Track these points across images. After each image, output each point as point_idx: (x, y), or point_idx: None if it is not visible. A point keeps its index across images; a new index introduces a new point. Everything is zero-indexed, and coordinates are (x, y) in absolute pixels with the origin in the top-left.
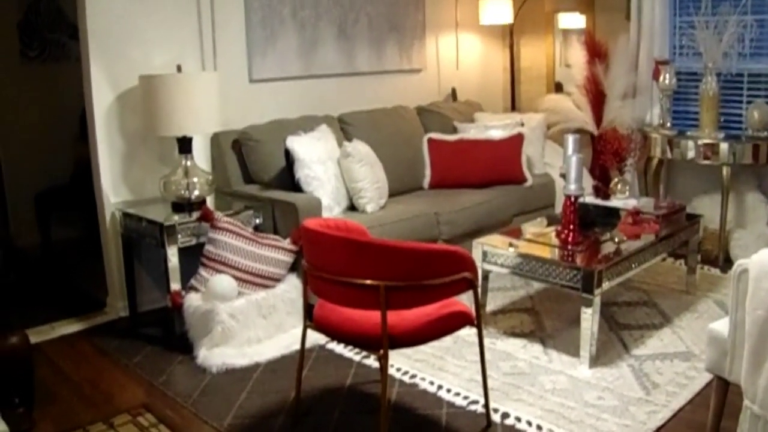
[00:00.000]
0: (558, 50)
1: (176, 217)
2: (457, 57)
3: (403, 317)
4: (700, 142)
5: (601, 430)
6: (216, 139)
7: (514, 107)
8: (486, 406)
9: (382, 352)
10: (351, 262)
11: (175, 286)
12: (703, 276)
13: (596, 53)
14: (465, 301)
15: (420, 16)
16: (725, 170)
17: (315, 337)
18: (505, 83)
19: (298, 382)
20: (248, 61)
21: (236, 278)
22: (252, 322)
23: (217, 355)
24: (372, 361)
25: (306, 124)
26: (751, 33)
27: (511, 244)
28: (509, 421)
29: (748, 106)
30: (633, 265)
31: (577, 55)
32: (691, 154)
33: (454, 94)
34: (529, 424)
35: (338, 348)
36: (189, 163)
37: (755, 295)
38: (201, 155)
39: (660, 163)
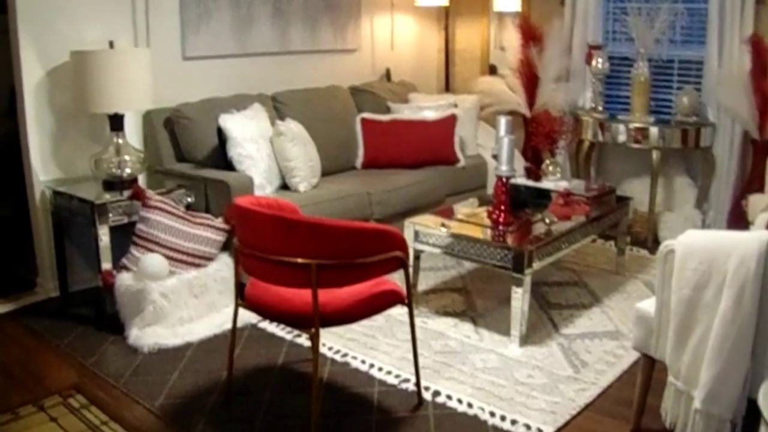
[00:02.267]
0: (493, 33)
1: (107, 196)
2: (392, 37)
3: (334, 296)
4: (630, 126)
5: (531, 407)
6: (148, 117)
7: (447, 88)
8: (417, 384)
9: (313, 330)
10: (283, 240)
11: (107, 265)
12: (632, 257)
13: (531, 36)
14: (396, 280)
15: None
16: (655, 154)
17: (247, 317)
18: (440, 64)
19: (230, 362)
20: (182, 38)
21: (168, 257)
22: (184, 301)
23: (148, 335)
24: (304, 340)
25: (239, 103)
26: (682, 21)
27: (443, 224)
28: (440, 399)
29: (678, 92)
30: (563, 246)
31: (512, 38)
32: (621, 137)
33: (388, 74)
34: (460, 402)
35: (270, 327)
36: (121, 140)
37: (681, 275)
38: (133, 133)
39: (591, 145)
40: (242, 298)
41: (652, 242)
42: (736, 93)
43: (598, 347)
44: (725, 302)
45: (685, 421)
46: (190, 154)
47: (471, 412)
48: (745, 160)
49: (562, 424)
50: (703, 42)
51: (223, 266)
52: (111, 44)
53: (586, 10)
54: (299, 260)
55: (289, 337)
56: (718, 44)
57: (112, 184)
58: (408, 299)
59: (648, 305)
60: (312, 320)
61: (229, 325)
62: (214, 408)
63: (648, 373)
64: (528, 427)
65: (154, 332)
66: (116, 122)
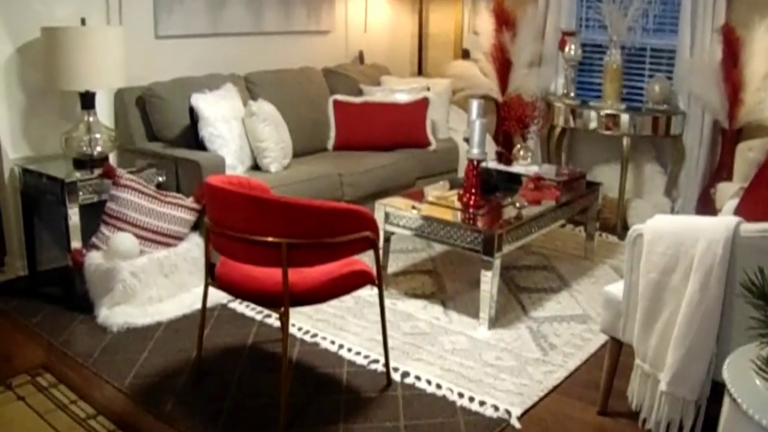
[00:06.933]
0: (466, 17)
1: (78, 174)
2: (366, 20)
3: (304, 275)
4: (602, 112)
5: (499, 388)
6: (120, 96)
7: (420, 72)
8: (386, 365)
9: (283, 309)
10: (254, 219)
11: (76, 244)
12: (601, 243)
13: (504, 22)
14: (367, 261)
15: None
16: (625, 141)
17: (217, 297)
18: (413, 48)
19: (199, 341)
20: (154, 17)
21: (138, 236)
22: (154, 280)
23: (118, 314)
24: (273, 321)
25: (211, 83)
26: (655, 9)
27: (413, 206)
28: (409, 380)
29: (650, 80)
30: (533, 230)
31: (485, 23)
32: (593, 124)
33: (361, 56)
34: (429, 382)
35: (240, 307)
36: (92, 119)
37: (649, 258)
38: (104, 111)
39: (563, 131)
40: (213, 277)
41: (620, 228)
42: (707, 82)
43: (566, 330)
44: (692, 286)
45: (651, 403)
46: (161, 133)
47: (439, 392)
48: (715, 148)
49: (529, 405)
50: (676, 31)
51: (194, 246)
52: (83, 21)
53: None
54: (269, 239)
55: (258, 317)
56: (691, 33)
57: (83, 162)
58: (378, 279)
59: (616, 289)
60: (282, 299)
61: (199, 305)
62: (183, 388)
63: (615, 356)
64: (496, 408)
65: (123, 311)
66: (87, 100)
